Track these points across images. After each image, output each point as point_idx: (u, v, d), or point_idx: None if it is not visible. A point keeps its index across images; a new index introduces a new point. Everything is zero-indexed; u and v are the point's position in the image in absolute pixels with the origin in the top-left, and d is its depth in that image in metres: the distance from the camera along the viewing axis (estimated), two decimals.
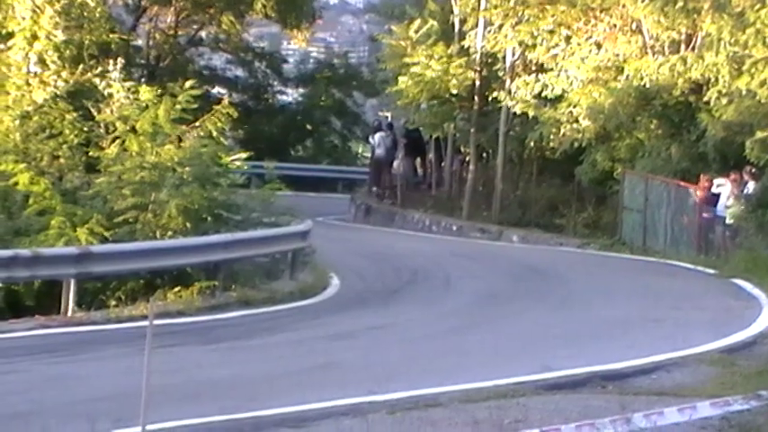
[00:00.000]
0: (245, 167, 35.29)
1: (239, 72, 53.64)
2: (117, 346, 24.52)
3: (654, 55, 41.67)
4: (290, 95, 57.22)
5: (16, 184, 30.05)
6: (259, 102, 51.27)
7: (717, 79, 39.00)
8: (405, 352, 23.88)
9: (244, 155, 35.45)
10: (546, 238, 42.65)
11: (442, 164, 50.15)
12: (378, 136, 51.26)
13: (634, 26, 42.32)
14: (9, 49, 32.88)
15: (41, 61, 32.35)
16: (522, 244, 42.20)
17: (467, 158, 47.96)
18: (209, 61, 52.69)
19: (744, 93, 38.06)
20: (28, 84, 31.94)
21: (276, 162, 41.65)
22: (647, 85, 41.02)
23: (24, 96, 31.93)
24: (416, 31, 45.89)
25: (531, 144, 44.39)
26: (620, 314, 28.38)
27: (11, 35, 33.04)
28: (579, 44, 42.21)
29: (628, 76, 41.47)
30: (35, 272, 27.98)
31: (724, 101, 38.62)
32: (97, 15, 36.01)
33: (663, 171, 41.24)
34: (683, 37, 41.71)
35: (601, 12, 42.11)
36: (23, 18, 32.87)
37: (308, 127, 56.91)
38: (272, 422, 17.51)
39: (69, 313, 27.24)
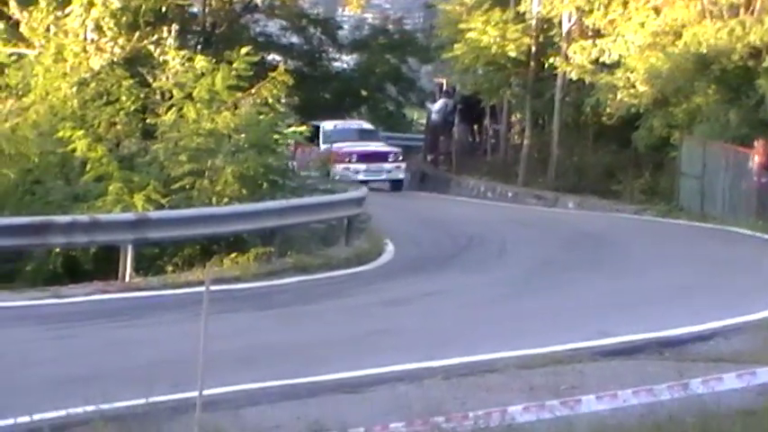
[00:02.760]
0: (303, 134, 35.74)
1: (294, 39, 53.71)
2: (174, 312, 24.85)
3: (712, 19, 41.36)
4: (345, 62, 57.35)
5: (74, 150, 30.28)
6: (314, 68, 51.48)
7: None
8: (461, 318, 24.00)
9: (302, 127, 35.89)
10: (602, 205, 42.68)
11: (498, 130, 50.17)
12: (439, 102, 51.64)
13: None
14: (66, 16, 33.05)
15: (98, 28, 32.76)
16: (577, 210, 42.32)
17: (522, 125, 48.02)
18: (265, 28, 52.75)
19: None
20: (85, 51, 32.34)
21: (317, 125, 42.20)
22: (705, 50, 40.79)
23: (82, 63, 32.21)
24: None
25: (588, 110, 44.42)
26: (677, 281, 28.30)
27: (68, 2, 33.21)
28: (637, 9, 42.14)
29: (685, 42, 41.21)
30: (93, 237, 28.40)
31: None
32: None
33: (721, 137, 40.99)
34: (743, 1, 41.53)
35: None
36: None
37: (363, 93, 57.12)
38: (329, 387, 17.58)
39: (127, 279, 27.67)
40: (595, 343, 20.72)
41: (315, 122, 47.13)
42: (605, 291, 27.40)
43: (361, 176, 42.21)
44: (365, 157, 46.36)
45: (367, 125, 50.42)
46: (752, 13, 41.35)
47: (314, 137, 45.76)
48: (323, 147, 48.31)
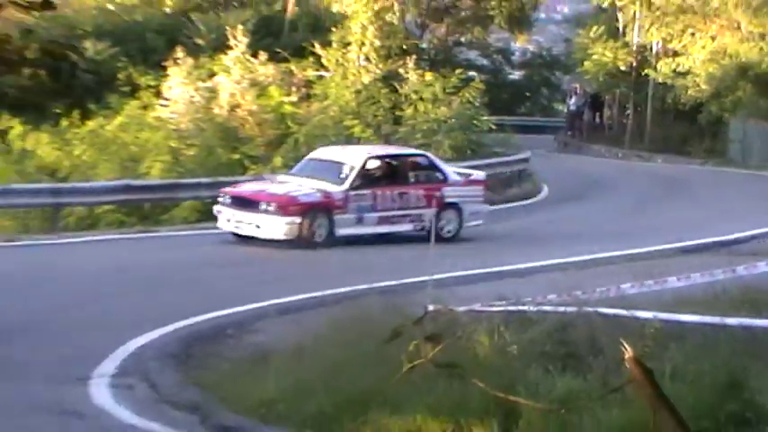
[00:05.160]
0: (491, 124, 35.60)
1: (484, 61, 53.67)
2: None
3: (748, 42, 41.17)
4: (516, 75, 57.24)
5: (353, 133, 30.97)
6: (497, 79, 50.59)
7: None
8: (591, 229, 24.98)
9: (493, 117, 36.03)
10: (679, 160, 42.27)
11: (611, 115, 50.30)
12: (574, 98, 51.50)
13: (735, 25, 41.74)
14: (348, 52, 33.62)
15: (367, 58, 33.43)
16: (663, 164, 41.87)
17: (627, 111, 48.01)
18: (467, 55, 52.76)
19: None
20: (359, 72, 33.16)
21: (507, 117, 42.04)
22: (744, 61, 40.91)
23: (357, 80, 33.02)
24: (594, 33, 45.89)
25: (669, 101, 44.29)
26: (727, 205, 28.81)
27: (349, 43, 33.76)
28: (700, 37, 42.02)
29: (731, 56, 41.20)
30: None
31: None
32: (399, 29, 36.88)
33: (756, 117, 40.93)
34: None
35: (714, 16, 41.78)
36: (356, 33, 33.81)
37: (527, 94, 56.65)
38: (508, 274, 18.15)
39: None
40: (676, 245, 21.59)
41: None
42: (681, 212, 28.06)
43: (231, 226, 21.67)
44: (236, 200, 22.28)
45: (351, 157, 22.98)
46: None
47: None
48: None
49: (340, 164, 22.15)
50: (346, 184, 21.44)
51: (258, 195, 21.23)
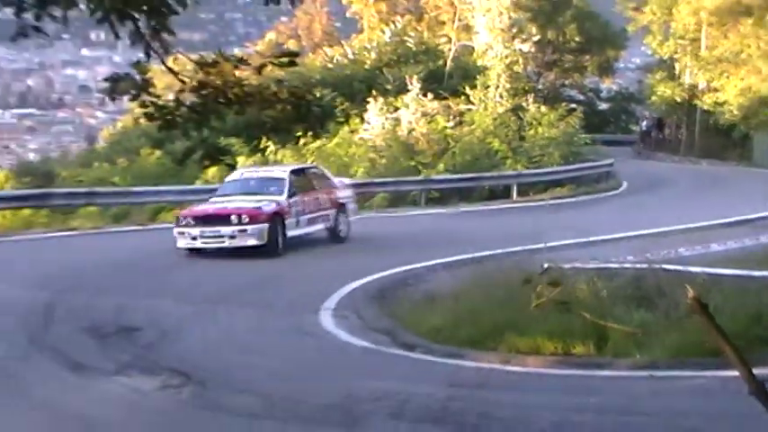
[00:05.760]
0: (587, 141, 34.93)
1: (581, 97, 52.63)
2: (526, 213, 24.97)
3: (766, 81, 39.84)
4: (604, 106, 56.04)
5: (492, 147, 30.71)
6: (590, 108, 49.13)
7: None
8: (659, 211, 24.22)
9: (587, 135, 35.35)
10: (718, 163, 40.85)
11: (669, 130, 49.24)
12: (645, 121, 50.66)
13: (758, 70, 39.97)
14: (488, 92, 33.12)
15: (500, 96, 32.98)
16: (708, 166, 40.45)
17: (681, 130, 47.20)
18: (570, 93, 51.92)
19: None
20: (495, 105, 32.68)
21: (597, 135, 41.33)
22: (764, 95, 39.66)
23: (494, 111, 32.52)
24: (659, 76, 44.92)
25: (711, 122, 42.85)
26: (755, 195, 27.35)
27: (488, 86, 33.22)
28: (733, 79, 40.40)
29: (755, 92, 39.93)
30: (499, 182, 29.35)
31: None
32: (522, 76, 36.43)
33: None
34: None
35: (743, 64, 40.33)
36: (493, 79, 33.38)
37: (611, 119, 54.80)
38: (598, 243, 17.44)
39: (514, 197, 28.43)
40: (717, 221, 20.91)
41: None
42: (721, 198, 27.08)
43: (198, 243, 17.81)
44: (201, 220, 18.24)
45: (280, 173, 19.85)
46: None
47: None
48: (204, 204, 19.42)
49: (275, 179, 18.96)
50: (285, 194, 18.28)
51: (225, 211, 17.62)
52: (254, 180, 19.39)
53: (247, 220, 17.24)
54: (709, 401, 8.27)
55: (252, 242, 17.18)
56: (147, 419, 8.89)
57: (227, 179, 20.21)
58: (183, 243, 17.62)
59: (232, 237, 17.20)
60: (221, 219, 17.47)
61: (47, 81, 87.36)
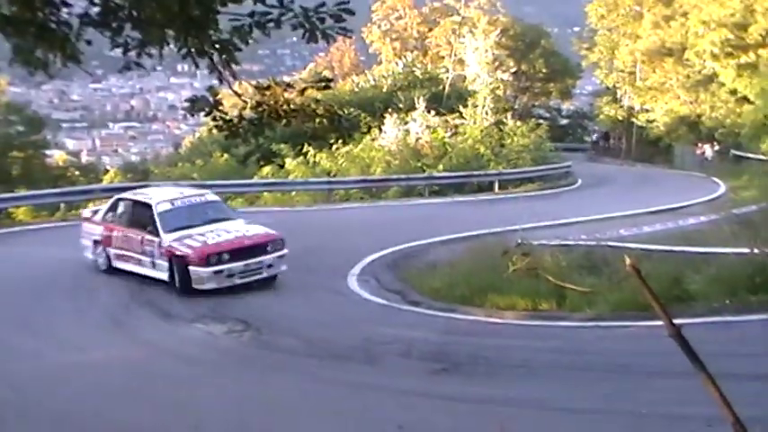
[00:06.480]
0: (551, 148, 33.85)
1: (547, 114, 49.69)
2: (512, 202, 24.24)
3: (684, 105, 38.67)
4: (564, 121, 52.03)
5: (480, 152, 29.29)
6: (554, 124, 46.31)
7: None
8: (605, 201, 23.04)
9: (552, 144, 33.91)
10: (650, 165, 39.34)
11: (614, 142, 47.85)
12: (595, 134, 49.60)
13: (677, 96, 38.52)
14: (476, 110, 31.88)
15: (486, 113, 32.07)
16: (641, 168, 39.01)
17: (622, 140, 46.05)
18: (539, 111, 49.50)
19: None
20: (482, 120, 31.73)
21: (559, 143, 40.03)
22: (682, 115, 38.51)
23: (481, 124, 31.49)
24: (604, 101, 44.15)
25: (644, 135, 41.71)
26: (674, 189, 26.64)
27: (477, 105, 32.05)
28: (660, 103, 39.41)
29: (675, 113, 38.82)
30: (485, 179, 27.68)
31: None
32: (502, 99, 35.35)
33: (687, 143, 38.68)
34: None
35: (668, 91, 39.09)
36: (480, 100, 32.32)
37: (570, 132, 51.11)
38: (561, 225, 16.92)
39: (496, 190, 27.06)
40: (645, 210, 19.82)
41: (137, 196, 13.41)
42: (650, 192, 26.00)
43: (237, 280, 11.77)
44: (237, 254, 11.83)
45: (212, 196, 13.45)
46: None
47: (143, 221, 12.58)
48: (167, 240, 12.10)
49: (212, 202, 13.31)
50: (240, 218, 13.32)
51: (258, 240, 12.23)
52: (193, 207, 12.82)
53: (280, 245, 12.33)
54: (639, 344, 8.26)
55: (284, 267, 12.43)
56: (218, 355, 9.00)
57: (161, 210, 12.53)
58: (212, 284, 11.66)
59: (270, 266, 12.16)
60: (259, 248, 12.12)
61: (145, 102, 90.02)
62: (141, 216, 12.71)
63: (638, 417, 6.13)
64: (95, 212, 14.15)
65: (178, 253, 11.94)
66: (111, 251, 13.14)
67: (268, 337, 9.70)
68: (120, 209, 13.35)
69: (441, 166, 28.54)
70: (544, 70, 48.62)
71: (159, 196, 13.11)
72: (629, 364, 7.67)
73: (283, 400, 7.13)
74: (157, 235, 12.34)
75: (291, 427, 6.42)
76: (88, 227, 13.80)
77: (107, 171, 31.93)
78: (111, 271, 13.02)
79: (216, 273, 11.78)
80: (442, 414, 6.59)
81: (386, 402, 6.95)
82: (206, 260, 11.77)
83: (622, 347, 8.46)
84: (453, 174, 27.80)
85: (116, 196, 13.89)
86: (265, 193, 25.41)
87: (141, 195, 13.42)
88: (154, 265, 12.34)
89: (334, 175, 27.10)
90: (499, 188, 27.99)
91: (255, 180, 26.63)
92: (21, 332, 9.83)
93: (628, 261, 2.78)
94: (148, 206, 12.74)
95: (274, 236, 12.47)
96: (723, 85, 35.88)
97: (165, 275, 12.10)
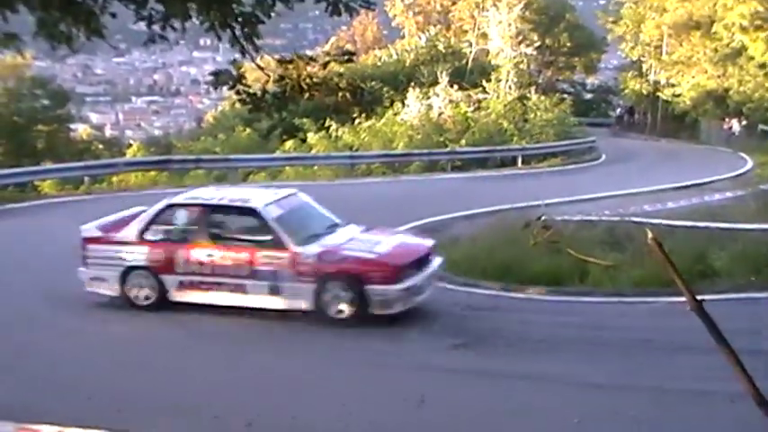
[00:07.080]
0: (575, 122, 33.54)
1: (572, 89, 49.66)
2: (527, 177, 24.80)
3: (710, 79, 37.98)
4: (588, 96, 51.81)
5: (503, 126, 29.30)
6: (578, 99, 46.03)
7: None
8: (628, 176, 23.05)
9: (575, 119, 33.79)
10: (675, 141, 39.00)
11: (639, 116, 47.18)
12: (619, 109, 49.41)
13: (704, 70, 37.91)
14: (499, 84, 31.90)
15: (510, 87, 32.07)
16: (666, 143, 38.70)
17: (647, 115, 45.63)
18: (563, 86, 49.15)
19: None
20: (505, 95, 31.59)
21: (583, 118, 39.69)
22: (708, 90, 38.01)
23: (504, 99, 31.18)
24: (630, 75, 43.64)
25: (669, 110, 41.42)
26: (704, 165, 26.42)
27: (500, 80, 31.98)
28: (686, 77, 38.80)
29: (702, 87, 38.18)
30: (508, 154, 27.62)
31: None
32: (525, 73, 34.98)
33: (714, 118, 38.47)
34: None
35: (694, 65, 38.48)
36: (503, 74, 32.29)
37: (594, 106, 50.77)
38: (585, 200, 16.64)
39: (519, 165, 27.10)
40: (671, 185, 19.82)
41: (213, 200, 9.14)
42: (676, 168, 25.72)
43: (416, 299, 8.47)
44: (416, 265, 8.52)
45: (304, 195, 9.82)
46: None
47: (242, 232, 8.80)
48: (307, 253, 8.44)
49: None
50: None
51: (424, 249, 9.42)
52: (302, 211, 9.65)
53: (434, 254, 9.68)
54: (662, 320, 8.25)
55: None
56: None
57: (274, 216, 8.99)
58: (400, 306, 8.60)
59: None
60: (427, 258, 9.34)
61: (167, 76, 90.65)
62: (235, 226, 8.95)
63: (661, 392, 6.15)
64: (110, 228, 9.53)
65: (345, 268, 8.39)
66: (171, 278, 8.95)
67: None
68: (182, 219, 9.18)
69: (463, 141, 28.41)
70: (568, 44, 48.15)
71: (255, 198, 9.18)
72: (652, 340, 7.69)
73: (303, 375, 7.17)
74: (283, 248, 8.57)
75: (310, 402, 6.41)
76: (106, 249, 9.23)
77: (130, 145, 32.11)
78: (166, 306, 8.96)
79: (404, 290, 8.54)
80: (463, 388, 6.60)
81: (407, 376, 6.98)
82: (395, 275, 8.47)
83: (645, 323, 8.49)
84: (476, 149, 27.70)
85: (164, 202, 9.44)
86: (287, 168, 25.43)
87: (223, 199, 9.22)
88: (277, 291, 8.57)
89: (357, 150, 27.01)
90: (522, 163, 27.84)
91: (278, 154, 26.64)
92: (54, 306, 9.55)
93: (650, 235, 2.77)
94: (250, 211, 8.85)
95: (432, 244, 9.62)
96: (752, 58, 35.24)
97: (304, 303, 8.51)
